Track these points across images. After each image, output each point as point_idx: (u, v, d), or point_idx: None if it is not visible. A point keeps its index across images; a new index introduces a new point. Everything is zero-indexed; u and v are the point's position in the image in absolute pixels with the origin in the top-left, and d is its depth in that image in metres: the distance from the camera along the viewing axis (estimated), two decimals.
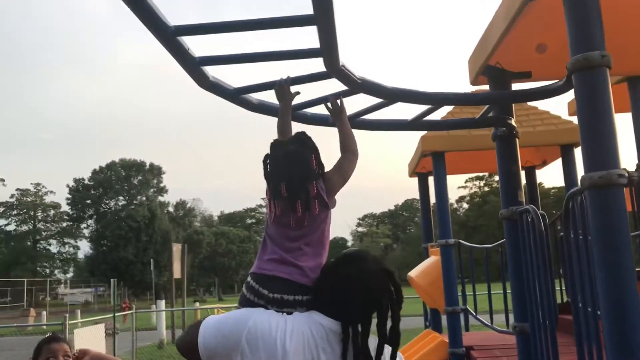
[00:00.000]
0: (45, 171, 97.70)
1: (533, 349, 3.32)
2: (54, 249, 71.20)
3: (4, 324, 23.58)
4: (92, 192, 66.72)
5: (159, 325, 17.84)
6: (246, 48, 2.74)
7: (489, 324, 5.50)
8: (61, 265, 72.62)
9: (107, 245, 60.01)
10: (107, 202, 67.20)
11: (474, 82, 3.90)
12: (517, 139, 3.72)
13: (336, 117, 2.43)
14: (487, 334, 6.59)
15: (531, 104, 6.88)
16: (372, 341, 1.78)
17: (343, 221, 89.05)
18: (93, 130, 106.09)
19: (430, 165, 6.43)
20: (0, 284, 43.58)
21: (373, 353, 1.76)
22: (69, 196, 67.08)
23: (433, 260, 6.60)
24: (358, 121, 3.34)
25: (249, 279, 1.97)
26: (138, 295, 56.51)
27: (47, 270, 69.21)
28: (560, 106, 7.36)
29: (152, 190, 68.89)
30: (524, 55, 3.60)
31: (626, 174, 2.24)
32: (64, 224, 70.91)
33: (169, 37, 2.13)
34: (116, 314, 12.70)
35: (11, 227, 68.21)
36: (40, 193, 70.34)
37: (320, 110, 3.18)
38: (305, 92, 3.01)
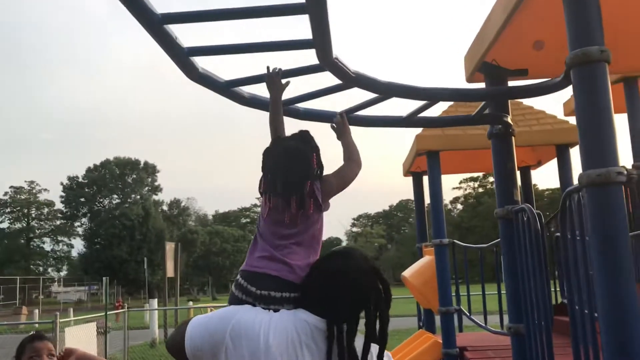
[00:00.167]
0: (39, 169, 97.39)
1: (528, 350, 3.27)
2: (47, 247, 71.01)
3: None
4: (86, 190, 66.52)
5: (152, 324, 17.75)
6: (237, 41, 2.67)
7: (483, 325, 5.46)
8: (55, 263, 72.37)
9: (100, 243, 59.82)
10: (101, 200, 67.01)
11: (469, 79, 3.84)
12: (513, 137, 3.67)
13: (341, 136, 2.42)
14: (481, 335, 6.55)
15: (527, 103, 6.86)
16: (359, 340, 1.74)
17: (337, 221, 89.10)
18: (87, 128, 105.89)
19: (425, 164, 6.39)
20: None
21: (359, 351, 1.72)
22: (63, 194, 66.86)
23: (427, 260, 6.56)
24: (352, 117, 3.27)
25: (238, 276, 1.95)
26: (132, 293, 56.34)
27: (41, 269, 68.87)
28: (555, 106, 7.32)
29: (146, 188, 68.74)
30: (521, 52, 3.55)
31: (625, 172, 2.19)
32: (58, 222, 70.64)
33: (156, 25, 2.06)
34: (109, 313, 12.62)
35: (4, 225, 67.93)
36: (34, 191, 70.03)
37: (313, 105, 3.13)
38: (298, 87, 2.96)
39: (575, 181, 2.39)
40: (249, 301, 1.86)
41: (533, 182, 7.65)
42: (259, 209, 2.13)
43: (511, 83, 3.73)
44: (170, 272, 19.79)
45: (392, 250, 79.39)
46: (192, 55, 2.39)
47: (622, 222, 2.15)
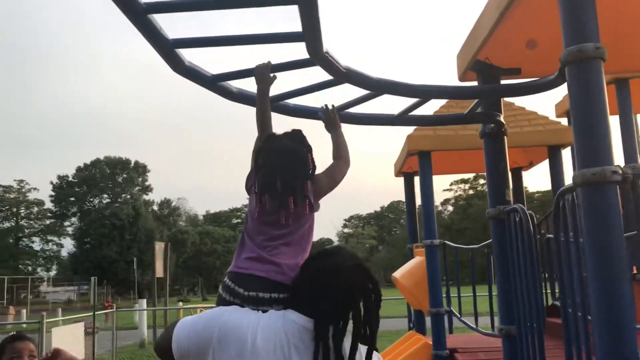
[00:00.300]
0: (29, 168, 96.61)
1: (519, 352, 3.23)
2: (36, 246, 70.46)
3: None
4: (76, 189, 66.13)
5: (140, 325, 17.63)
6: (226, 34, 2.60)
7: (474, 327, 5.42)
8: (44, 263, 71.82)
9: (90, 243, 59.47)
10: (91, 199, 66.64)
11: (462, 78, 3.81)
12: (505, 137, 3.64)
13: (330, 128, 2.39)
14: (472, 337, 6.51)
15: (519, 104, 6.84)
16: (347, 341, 1.71)
17: (329, 222, 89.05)
18: (78, 127, 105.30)
19: (417, 164, 6.36)
20: None
21: (347, 352, 1.69)
22: (53, 193, 66.43)
23: (418, 261, 6.52)
24: (342, 114, 3.22)
25: (226, 278, 1.93)
26: (121, 294, 56.05)
27: (30, 268, 68.32)
28: (547, 107, 7.32)
29: (136, 188, 68.44)
30: (514, 51, 3.52)
31: (620, 171, 2.15)
32: (48, 222, 70.13)
33: (140, 14, 1.99)
34: (98, 313, 12.50)
35: None
36: (23, 190, 69.44)
37: (303, 101, 3.07)
38: (287, 83, 2.90)
39: (567, 183, 2.36)
40: (237, 303, 1.83)
41: (523, 184, 7.63)
42: None
43: (504, 82, 3.70)
44: (159, 272, 19.67)
45: (383, 251, 79.45)
46: (178, 47, 2.33)
47: (617, 223, 2.11)
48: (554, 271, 4.38)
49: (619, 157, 5.72)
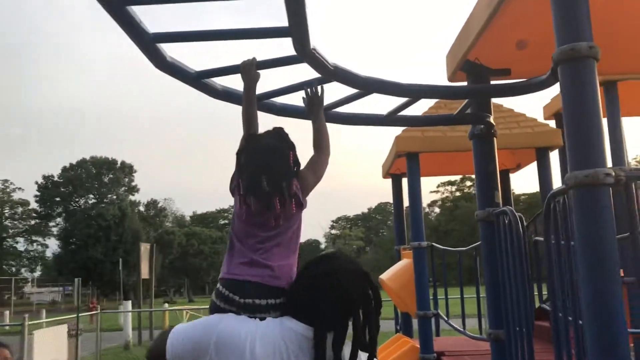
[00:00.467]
0: (14, 168, 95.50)
1: (508, 356, 3.18)
2: (21, 247, 69.69)
3: None
4: (62, 189, 65.52)
5: (125, 326, 17.44)
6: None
7: (461, 330, 5.38)
8: (28, 263, 71.09)
9: (76, 244, 58.89)
10: (77, 200, 66.04)
11: (451, 78, 3.76)
12: (495, 138, 3.59)
13: (313, 110, 2.33)
14: (459, 339, 6.48)
15: (507, 106, 6.83)
16: (346, 348, 1.67)
17: (317, 223, 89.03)
18: (64, 126, 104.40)
19: (405, 166, 6.32)
20: None
21: (347, 359, 1.65)
22: (38, 193, 65.77)
23: (405, 263, 6.48)
24: (330, 114, 3.15)
25: (218, 285, 1.87)
26: (107, 295, 55.64)
27: (14, 269, 67.58)
28: (536, 109, 7.31)
29: (123, 189, 67.94)
30: (504, 51, 3.48)
31: (613, 173, 2.11)
32: (32, 222, 69.41)
33: (118, 6, 1.92)
34: (82, 314, 12.34)
35: None
36: (7, 190, 68.67)
37: (290, 100, 3.00)
38: (272, 81, 2.83)
39: (555, 185, 2.32)
40: (233, 310, 1.79)
41: (511, 186, 7.62)
42: None
43: (494, 83, 3.66)
44: (145, 273, 19.50)
45: (370, 252, 79.53)
46: (159, 42, 2.25)
47: (609, 226, 2.07)
48: (542, 274, 4.36)
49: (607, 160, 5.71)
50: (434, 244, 6.35)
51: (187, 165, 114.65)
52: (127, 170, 68.30)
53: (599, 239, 2.05)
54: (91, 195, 66.05)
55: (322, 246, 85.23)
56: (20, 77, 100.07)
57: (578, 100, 2.17)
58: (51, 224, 68.76)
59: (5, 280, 49.60)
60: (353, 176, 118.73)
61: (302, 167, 2.01)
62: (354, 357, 1.65)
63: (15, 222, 69.66)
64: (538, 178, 6.30)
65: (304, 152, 1.99)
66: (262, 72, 2.28)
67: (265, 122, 2.20)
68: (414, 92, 3.12)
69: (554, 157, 6.42)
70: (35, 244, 70.38)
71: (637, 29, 3.20)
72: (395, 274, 6.47)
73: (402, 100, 3.38)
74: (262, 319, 1.75)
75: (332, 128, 2.91)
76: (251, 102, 2.18)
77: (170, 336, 1.72)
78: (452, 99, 4.54)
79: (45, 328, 10.76)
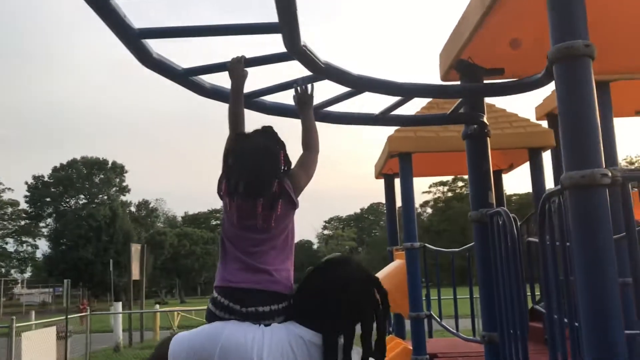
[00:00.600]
0: (3, 168, 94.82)
1: (502, 359, 3.14)
2: (10, 247, 69.20)
3: None
4: (52, 190, 65.14)
5: (115, 328, 17.31)
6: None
7: (455, 331, 5.34)
8: (18, 264, 70.61)
9: (66, 244, 58.59)
10: (68, 200, 65.68)
11: (444, 77, 3.73)
12: (488, 138, 3.56)
13: (303, 107, 2.28)
14: (452, 341, 6.45)
15: (499, 106, 6.80)
16: (355, 354, 1.63)
17: (309, 224, 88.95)
18: (54, 126, 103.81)
19: (397, 166, 6.28)
20: None
21: None
22: (28, 194, 65.35)
23: (397, 263, 6.45)
24: (322, 113, 3.11)
25: (215, 294, 1.79)
26: (98, 296, 55.30)
27: (3, 270, 67.10)
28: (528, 109, 7.30)
29: (114, 189, 67.66)
30: (498, 50, 3.45)
31: (609, 174, 2.07)
32: (22, 222, 68.95)
33: (101, 0, 1.85)
34: (72, 316, 12.21)
35: None
36: None
37: (280, 98, 2.95)
38: (262, 80, 2.78)
39: (548, 186, 2.28)
40: (234, 319, 1.72)
41: (503, 187, 7.60)
42: None
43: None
44: (135, 274, 19.37)
45: (362, 253, 79.58)
46: (145, 38, 2.19)
47: (606, 227, 2.03)
48: (536, 275, 4.32)
49: None
50: (426, 244, 6.31)
51: (179, 165, 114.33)
52: (118, 170, 68.02)
53: (596, 240, 2.02)
54: (82, 196, 65.71)
55: (315, 247, 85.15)
56: (9, 77, 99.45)
57: (574, 99, 2.14)
58: (41, 224, 68.37)
59: None
60: (345, 177, 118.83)
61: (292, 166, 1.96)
62: None
63: (5, 223, 69.17)
64: (531, 179, 6.27)
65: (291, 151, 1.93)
66: (250, 69, 2.23)
67: (251, 120, 2.15)
68: (407, 91, 3.07)
69: (547, 157, 6.41)
70: (25, 244, 69.97)
71: (633, 27, 3.17)
72: (388, 275, 6.43)
73: (394, 100, 3.33)
74: (266, 324, 1.70)
75: (324, 128, 2.87)
76: (239, 101, 2.13)
77: (172, 345, 1.65)
78: (446, 98, 4.50)
79: (33, 330, 10.64)
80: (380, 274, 6.60)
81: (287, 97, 2.89)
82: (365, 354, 1.62)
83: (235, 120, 2.08)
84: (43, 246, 68.83)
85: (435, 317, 6.02)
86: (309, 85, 2.34)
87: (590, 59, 2.17)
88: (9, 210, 68.69)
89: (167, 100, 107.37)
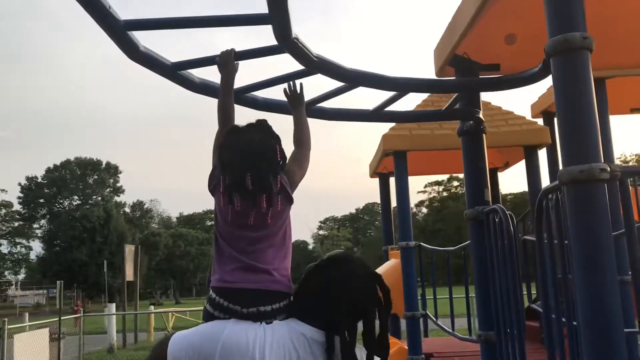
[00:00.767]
0: None
1: (499, 358, 3.10)
2: (4, 249, 68.89)
3: None
4: (46, 191, 64.88)
5: (109, 329, 17.22)
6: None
7: (450, 331, 5.30)
8: (12, 266, 70.28)
9: (60, 245, 58.32)
10: (61, 201, 65.44)
11: (439, 73, 3.67)
12: (484, 135, 3.51)
13: (295, 105, 2.25)
14: (448, 340, 6.41)
15: (495, 103, 6.77)
16: (359, 351, 1.61)
17: (304, 224, 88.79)
18: (48, 127, 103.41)
19: (392, 165, 6.24)
20: None
21: None
22: (21, 195, 65.05)
23: (393, 263, 6.40)
24: (315, 109, 3.05)
25: (212, 294, 1.73)
26: (92, 297, 55.10)
27: None
28: (524, 107, 7.27)
29: (108, 190, 67.45)
30: (493, 45, 3.41)
31: (608, 169, 2.02)
32: (16, 224, 68.65)
33: None
34: (65, 318, 12.11)
35: None
36: None
37: (271, 94, 2.89)
38: (253, 75, 2.72)
39: (544, 184, 2.23)
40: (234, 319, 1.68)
41: (499, 185, 7.56)
42: None
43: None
44: (130, 275, 19.28)
45: (358, 253, 79.58)
46: (131, 30, 2.12)
47: (605, 223, 1.99)
48: (532, 273, 4.28)
49: None
50: (421, 243, 6.27)
51: (174, 166, 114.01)
52: (112, 171, 67.80)
53: (595, 235, 1.98)
54: (76, 197, 65.49)
55: (310, 247, 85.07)
56: (1, 78, 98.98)
57: (572, 93, 2.09)
58: (35, 225, 68.09)
59: None
60: (341, 176, 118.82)
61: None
62: None
63: None
64: (527, 176, 6.24)
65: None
66: (241, 63, 2.17)
67: (242, 116, 2.09)
68: (401, 86, 3.02)
69: (542, 155, 6.37)
70: (18, 246, 69.69)
71: (629, 22, 3.13)
72: (383, 275, 6.36)
73: (389, 96, 3.28)
74: (268, 322, 1.67)
75: (318, 128, 2.81)
76: (229, 95, 2.08)
77: (171, 345, 1.61)
78: (441, 92, 4.45)
79: (25, 332, 10.55)
80: None
81: (277, 93, 2.85)
82: (369, 351, 1.61)
83: (226, 116, 2.02)
84: (37, 248, 68.55)
85: (431, 316, 5.98)
86: (298, 83, 2.29)
87: (589, 51, 2.12)
88: (2, 211, 68.42)
89: (161, 100, 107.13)
